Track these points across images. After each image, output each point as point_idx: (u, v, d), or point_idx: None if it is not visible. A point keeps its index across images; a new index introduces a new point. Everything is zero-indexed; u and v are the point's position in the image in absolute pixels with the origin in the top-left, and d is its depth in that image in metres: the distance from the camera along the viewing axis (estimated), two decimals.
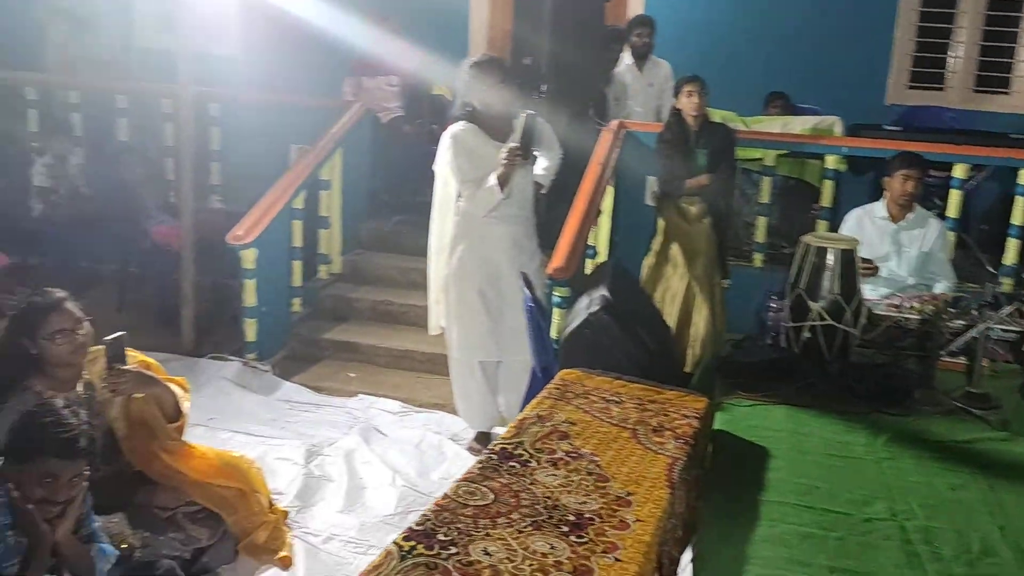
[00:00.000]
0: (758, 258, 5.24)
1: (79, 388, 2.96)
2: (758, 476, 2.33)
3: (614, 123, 5.14)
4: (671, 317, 4.55)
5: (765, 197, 5.25)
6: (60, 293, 2.95)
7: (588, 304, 3.13)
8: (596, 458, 2.23)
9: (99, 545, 2.54)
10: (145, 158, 5.87)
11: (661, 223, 4.79)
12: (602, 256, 4.78)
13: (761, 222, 5.23)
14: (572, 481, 2.11)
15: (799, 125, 5.60)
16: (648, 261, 4.79)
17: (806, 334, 2.87)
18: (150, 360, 3.12)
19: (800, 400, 2.72)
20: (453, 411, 4.22)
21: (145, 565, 2.70)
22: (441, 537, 1.86)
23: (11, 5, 6.93)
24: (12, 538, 2.31)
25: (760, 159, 5.30)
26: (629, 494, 2.06)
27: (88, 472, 2.35)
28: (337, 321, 5.25)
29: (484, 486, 2.08)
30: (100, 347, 2.96)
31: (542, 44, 5.41)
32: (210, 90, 5.76)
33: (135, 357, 3.03)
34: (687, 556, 2.27)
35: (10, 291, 4.49)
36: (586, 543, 1.85)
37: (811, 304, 2.84)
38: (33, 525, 2.29)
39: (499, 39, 6.94)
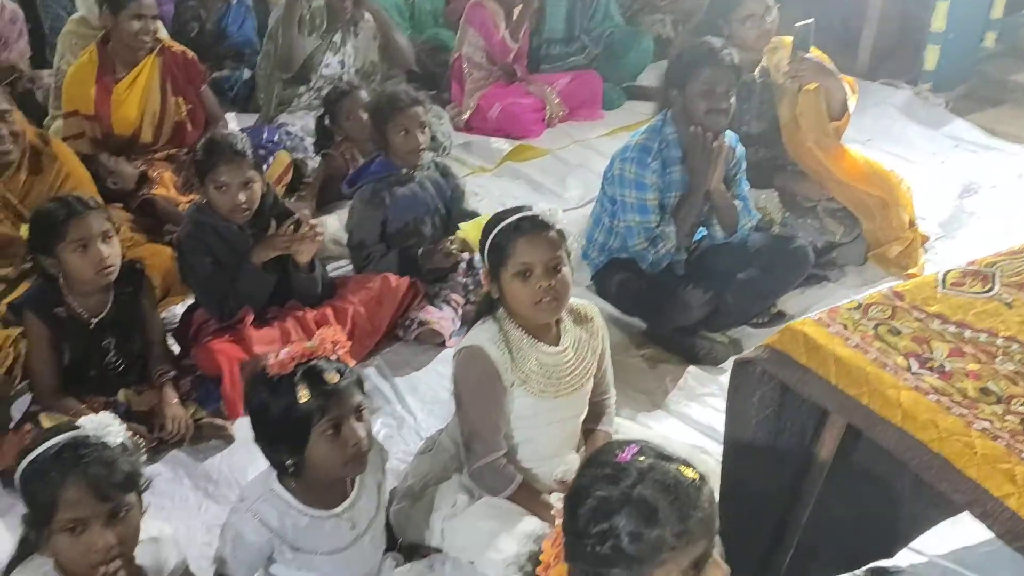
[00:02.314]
0: None
1: (755, 73, 3.19)
2: None
3: None
4: None
5: None
6: None
7: None
8: None
9: (744, 205, 2.84)
10: None
11: None
12: None
13: None
14: None
15: None
16: None
17: None
18: (826, 56, 3.16)
19: None
20: None
21: (783, 238, 2.94)
22: None
23: None
24: (678, 172, 2.72)
25: None
26: None
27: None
28: None
29: None
30: (785, 37, 3.11)
31: None
32: None
33: (814, 51, 3.11)
34: None
35: None
36: None
37: None
38: (701, 162, 2.65)
39: None
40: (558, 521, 1.27)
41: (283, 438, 1.61)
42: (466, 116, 4.26)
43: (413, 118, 2.82)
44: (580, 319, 2.02)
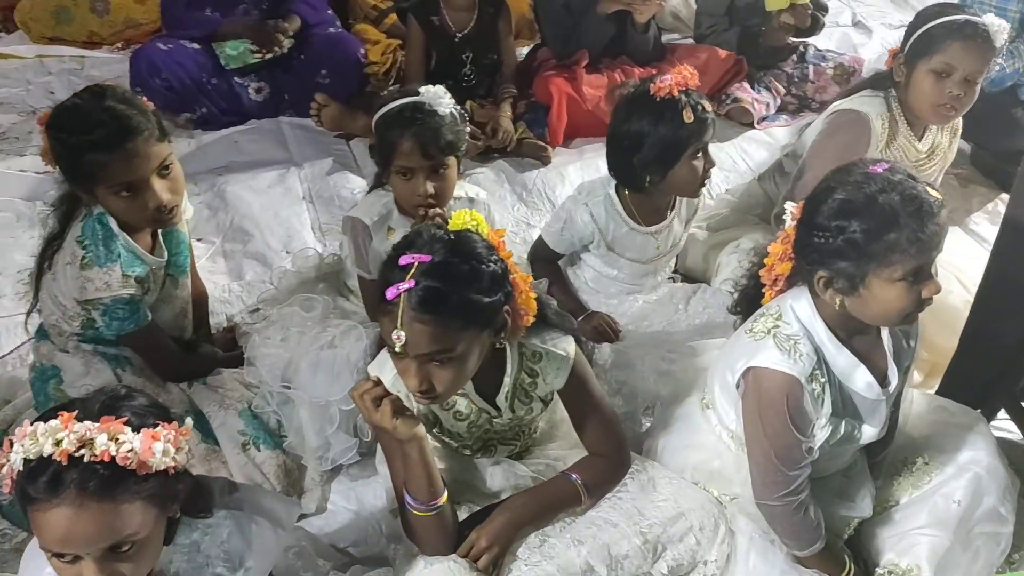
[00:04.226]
0: None
1: None
2: None
3: None
4: None
5: None
6: None
7: None
8: None
9: None
10: None
11: None
12: None
13: None
14: None
15: None
16: None
17: None
18: None
19: None
20: None
21: None
22: None
23: None
24: None
25: None
26: None
27: None
28: None
29: None
30: None
31: None
32: None
33: None
34: None
35: None
36: None
37: None
38: None
39: None
40: (790, 223, 1.34)
41: (658, 156, 1.77)
42: None
43: None
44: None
